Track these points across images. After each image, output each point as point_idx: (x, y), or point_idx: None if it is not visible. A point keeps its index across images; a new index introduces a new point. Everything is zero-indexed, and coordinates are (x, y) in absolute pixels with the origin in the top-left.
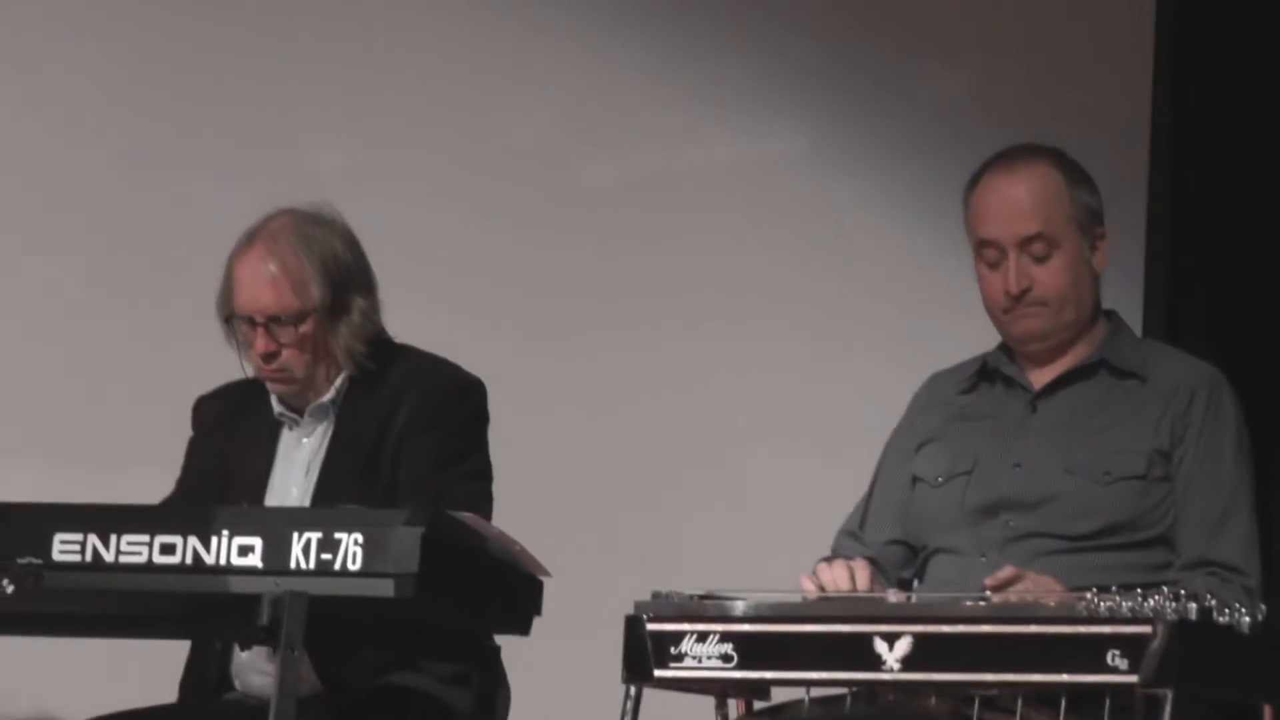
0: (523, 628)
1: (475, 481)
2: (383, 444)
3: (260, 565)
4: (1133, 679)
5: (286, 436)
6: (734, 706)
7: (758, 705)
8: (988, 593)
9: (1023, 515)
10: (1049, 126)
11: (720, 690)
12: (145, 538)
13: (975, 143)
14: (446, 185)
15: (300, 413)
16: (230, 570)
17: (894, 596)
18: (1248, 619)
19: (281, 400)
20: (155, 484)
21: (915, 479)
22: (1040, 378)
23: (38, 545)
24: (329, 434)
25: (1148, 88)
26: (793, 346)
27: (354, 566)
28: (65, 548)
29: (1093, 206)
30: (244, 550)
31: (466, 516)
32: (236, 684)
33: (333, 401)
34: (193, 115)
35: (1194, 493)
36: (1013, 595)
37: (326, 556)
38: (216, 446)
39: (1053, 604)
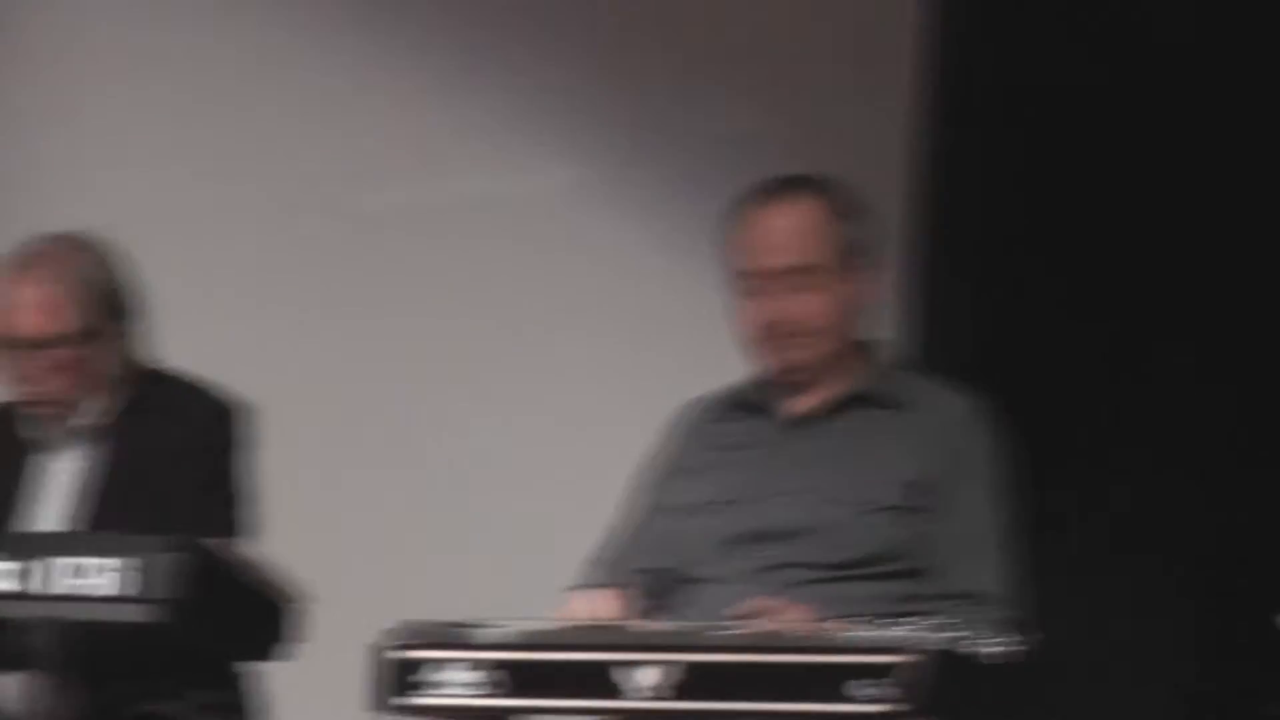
0: (282, 653)
1: (241, 506)
2: (149, 469)
3: (18, 588)
4: (877, 709)
5: (41, 461)
6: None
7: None
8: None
9: (783, 545)
10: (819, 158)
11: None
12: None
13: (747, 177)
14: (227, 206)
15: (57, 437)
16: None
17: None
18: (999, 648)
19: (35, 424)
20: None
21: (670, 507)
22: (797, 406)
23: None
24: (94, 460)
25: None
26: (557, 377)
27: (113, 591)
28: None
29: (857, 239)
30: (3, 575)
31: (225, 543)
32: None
33: (95, 428)
34: None
35: (952, 522)
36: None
37: (85, 582)
38: None
39: (798, 632)
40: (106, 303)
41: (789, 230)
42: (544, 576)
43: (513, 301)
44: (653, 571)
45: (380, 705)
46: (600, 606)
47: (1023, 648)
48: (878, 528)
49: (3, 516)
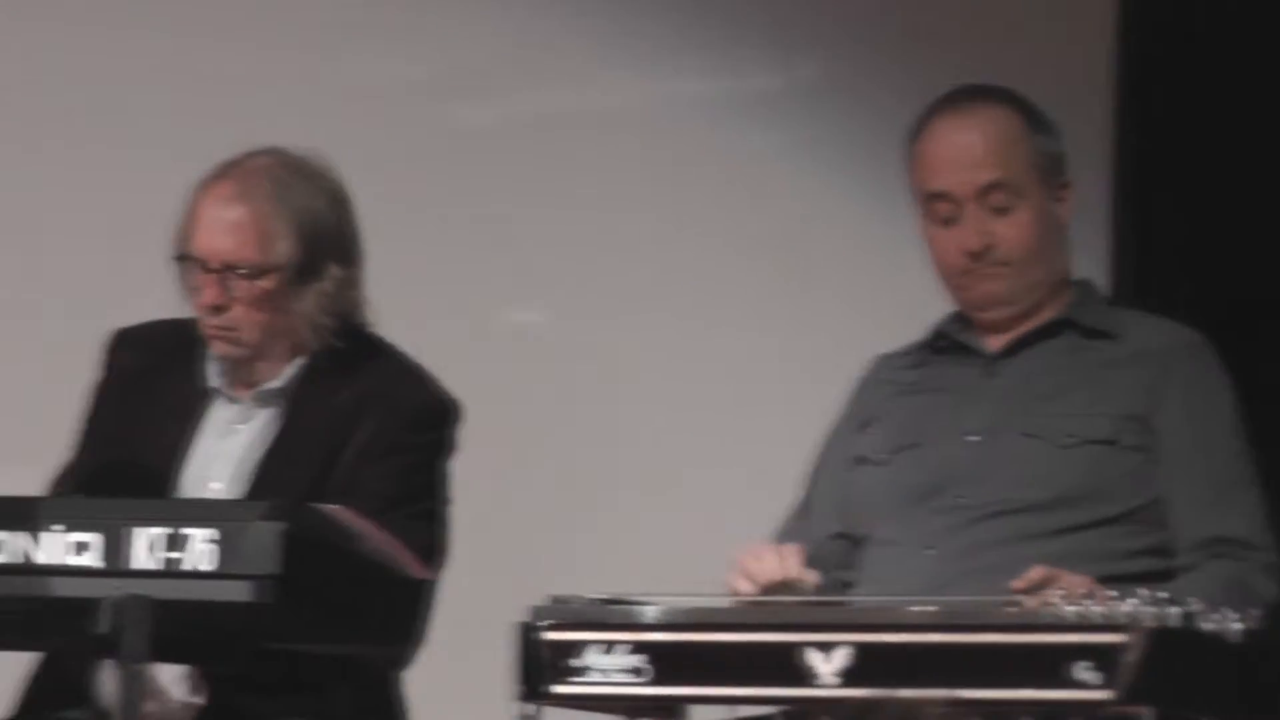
0: (402, 639)
1: (429, 523)
2: (336, 458)
3: (100, 565)
4: (1105, 695)
5: (217, 415)
6: None
7: None
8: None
9: (974, 488)
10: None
11: (630, 709)
12: None
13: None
14: (323, 131)
15: (242, 389)
16: (65, 571)
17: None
18: (1238, 625)
19: (221, 368)
20: None
21: (857, 459)
22: (997, 342)
23: None
24: (275, 430)
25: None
26: (708, 313)
27: (206, 567)
28: None
29: (1055, 153)
30: (80, 548)
31: (336, 510)
32: (99, 701)
33: (283, 391)
34: None
35: (1187, 465)
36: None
37: (175, 555)
38: (132, 406)
39: (1013, 609)
40: (322, 238)
41: (984, 143)
42: (717, 551)
43: (658, 227)
44: (844, 536)
45: (531, 694)
46: (780, 562)
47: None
48: (1083, 463)
49: (149, 477)
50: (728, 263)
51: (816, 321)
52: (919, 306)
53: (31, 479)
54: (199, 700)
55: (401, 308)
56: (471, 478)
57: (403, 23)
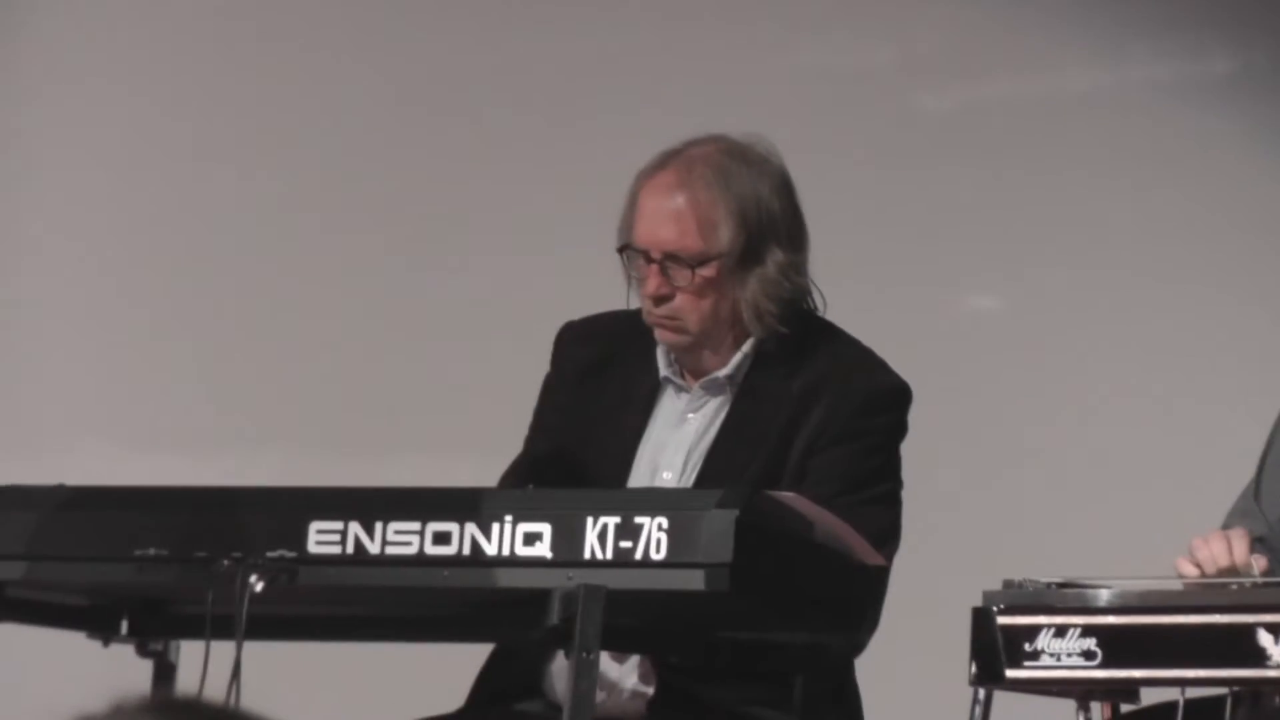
0: (856, 626)
1: (884, 508)
2: (789, 445)
3: (550, 555)
4: None
5: (668, 404)
6: (1098, 710)
7: (1125, 708)
8: None
9: None
10: None
11: (1083, 692)
12: (416, 525)
13: None
14: (770, 114)
15: (691, 378)
16: (515, 562)
17: (1257, 566)
18: None
19: (670, 358)
20: (418, 470)
21: None
22: None
23: (291, 536)
24: (722, 415)
25: None
26: (1162, 298)
27: (658, 556)
28: (323, 538)
29: None
30: (530, 538)
31: (789, 497)
32: (550, 692)
33: (731, 377)
34: None
35: None
36: None
37: (626, 545)
38: (585, 398)
39: None
40: (765, 224)
41: None
42: (1164, 529)
43: (1110, 209)
44: None
45: (986, 678)
46: (1229, 549)
47: None
48: None
49: (608, 466)
50: (1182, 247)
51: (1271, 306)
52: None
53: (485, 470)
54: (649, 690)
55: (857, 293)
56: (923, 462)
57: (862, 9)
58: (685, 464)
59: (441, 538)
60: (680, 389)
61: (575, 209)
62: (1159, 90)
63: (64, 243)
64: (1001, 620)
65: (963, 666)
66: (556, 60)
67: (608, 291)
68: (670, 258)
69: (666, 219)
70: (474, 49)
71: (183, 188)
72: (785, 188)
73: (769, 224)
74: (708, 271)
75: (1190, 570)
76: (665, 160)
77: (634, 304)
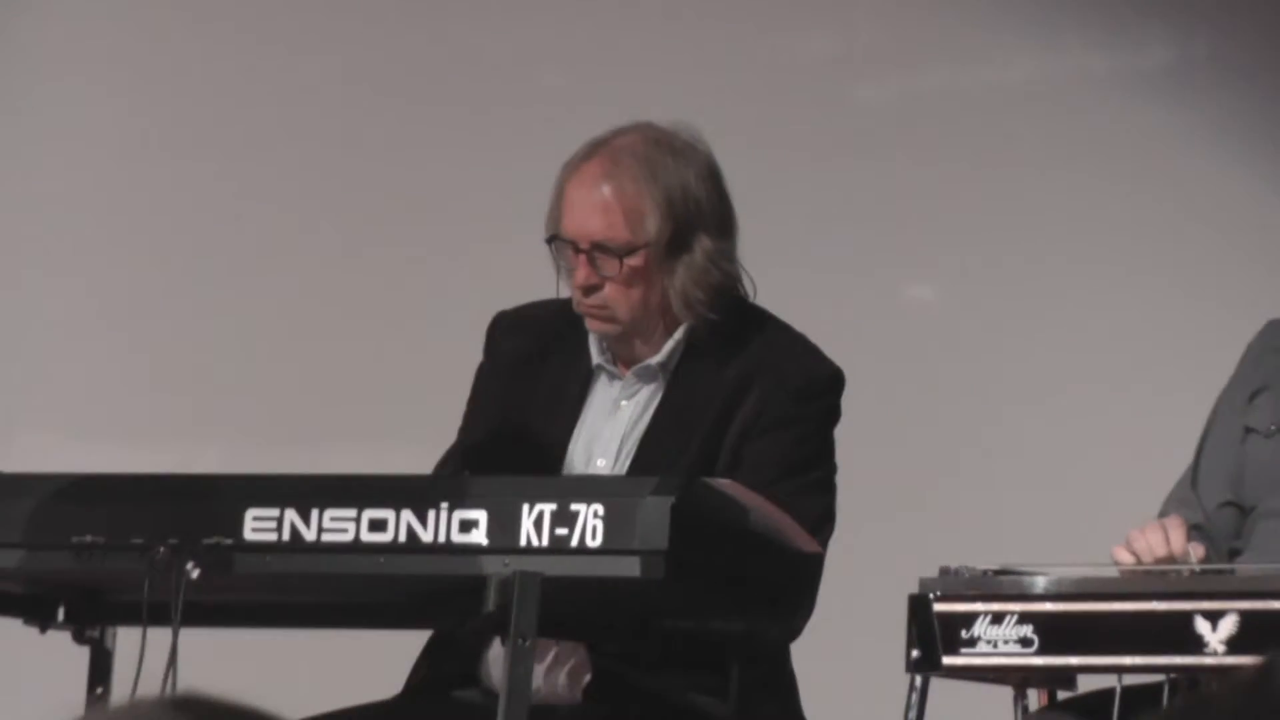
0: (791, 613)
1: (819, 494)
2: (722, 432)
3: (485, 542)
4: None
5: (601, 392)
6: (1034, 697)
7: (1062, 695)
8: None
9: None
10: None
11: (1020, 679)
12: (352, 513)
13: None
14: (722, 103)
15: (624, 366)
16: (451, 549)
17: (1194, 554)
18: None
19: (603, 346)
20: (354, 458)
21: (1247, 430)
22: None
23: (227, 523)
24: (655, 402)
25: None
26: (1098, 288)
27: (594, 543)
28: (259, 525)
29: None
30: (466, 525)
31: (725, 484)
32: (486, 680)
33: (664, 364)
34: None
35: None
36: None
37: (562, 532)
38: (519, 386)
39: None
40: (692, 212)
41: None
42: (1103, 517)
43: (1052, 200)
44: (1234, 504)
45: (923, 665)
46: (1166, 538)
47: None
48: None
49: (543, 457)
50: (1121, 238)
51: (1208, 295)
52: None
53: (421, 459)
54: (586, 677)
55: (795, 282)
56: (858, 449)
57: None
58: (619, 451)
59: (378, 525)
60: (613, 377)
61: (514, 201)
62: (1098, 81)
63: None
64: (938, 607)
65: (900, 653)
66: (484, 52)
67: (541, 281)
68: (598, 248)
69: (593, 210)
70: (441, 42)
71: (120, 177)
72: (712, 175)
73: (696, 212)
74: (635, 261)
75: (1127, 559)
76: (591, 150)
77: (564, 293)
